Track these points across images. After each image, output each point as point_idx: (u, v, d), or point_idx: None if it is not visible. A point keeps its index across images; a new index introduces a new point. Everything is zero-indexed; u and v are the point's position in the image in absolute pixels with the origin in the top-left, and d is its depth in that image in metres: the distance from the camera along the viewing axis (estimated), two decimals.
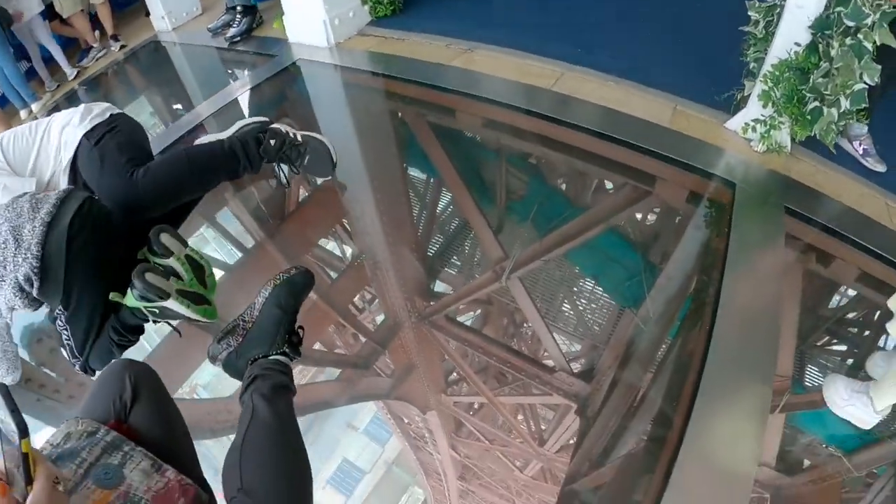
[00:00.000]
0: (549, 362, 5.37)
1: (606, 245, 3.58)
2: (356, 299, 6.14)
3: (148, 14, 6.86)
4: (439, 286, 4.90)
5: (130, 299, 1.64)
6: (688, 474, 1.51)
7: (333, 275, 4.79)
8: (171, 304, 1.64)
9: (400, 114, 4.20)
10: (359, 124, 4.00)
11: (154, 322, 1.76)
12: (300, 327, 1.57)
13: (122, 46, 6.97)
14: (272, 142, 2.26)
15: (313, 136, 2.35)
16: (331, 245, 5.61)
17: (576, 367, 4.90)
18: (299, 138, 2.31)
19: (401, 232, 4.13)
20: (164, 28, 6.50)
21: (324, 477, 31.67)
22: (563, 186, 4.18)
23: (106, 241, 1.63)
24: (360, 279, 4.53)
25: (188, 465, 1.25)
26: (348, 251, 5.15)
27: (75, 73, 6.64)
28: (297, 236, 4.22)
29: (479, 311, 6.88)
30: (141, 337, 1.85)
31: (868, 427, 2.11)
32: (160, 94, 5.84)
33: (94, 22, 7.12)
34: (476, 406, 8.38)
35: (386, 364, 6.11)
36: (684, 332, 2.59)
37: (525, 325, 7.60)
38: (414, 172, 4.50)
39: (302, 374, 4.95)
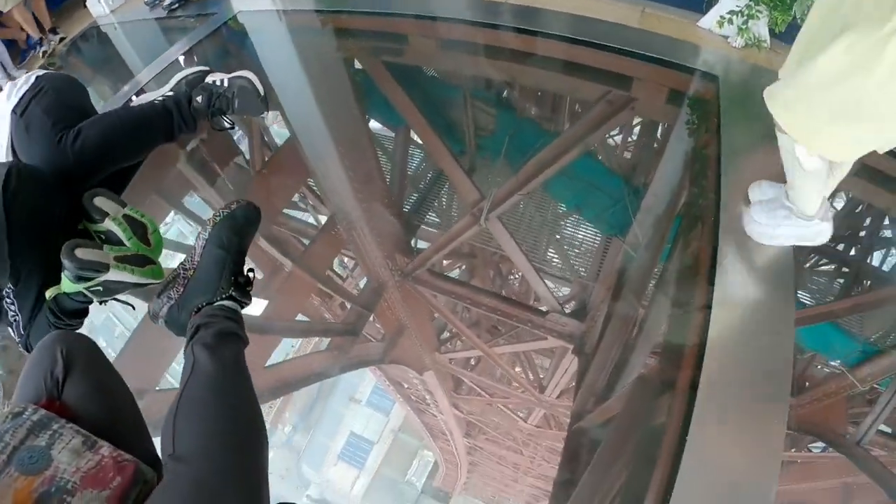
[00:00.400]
0: (541, 306, 5.28)
1: (585, 171, 3.39)
2: (338, 267, 5.96)
3: (85, 4, 6.67)
4: (419, 241, 4.72)
5: (67, 283, 1.45)
6: (713, 391, 1.32)
7: (307, 242, 4.57)
8: (113, 275, 1.45)
9: (352, 53, 3.94)
10: (310, 72, 3.72)
11: (101, 303, 1.57)
12: (251, 270, 1.37)
13: (62, 39, 6.75)
14: (199, 99, 2.12)
15: (238, 75, 2.16)
16: (300, 213, 5.39)
17: (567, 307, 4.80)
18: (225, 83, 2.13)
19: (370, 186, 3.91)
20: (101, 13, 6.33)
21: (334, 452, 32.16)
22: (534, 112, 3.96)
23: (45, 203, 1.51)
24: (336, 243, 4.32)
25: (132, 439, 1.05)
26: (320, 216, 4.94)
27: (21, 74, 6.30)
28: (263, 206, 3.98)
29: (463, 267, 6.76)
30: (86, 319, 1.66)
31: (822, 238, 1.75)
32: (106, 79, 5.59)
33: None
34: (473, 362, 8.36)
35: (376, 329, 5.98)
36: (682, 251, 2.42)
37: (512, 275, 7.51)
38: (375, 118, 4.25)
39: (292, 348, 4.78)
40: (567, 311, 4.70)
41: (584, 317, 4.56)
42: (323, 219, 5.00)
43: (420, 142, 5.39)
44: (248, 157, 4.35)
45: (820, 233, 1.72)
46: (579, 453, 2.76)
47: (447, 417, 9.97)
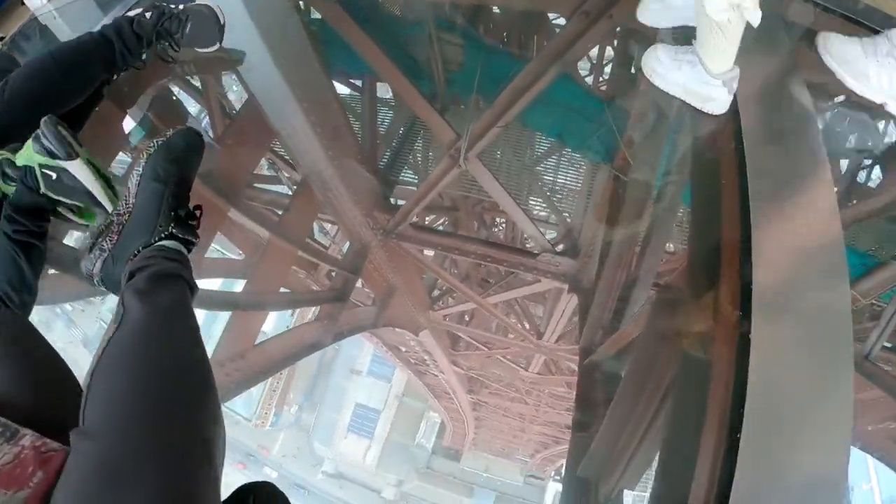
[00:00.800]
0: (532, 248, 5.15)
1: (564, 96, 3.18)
2: (319, 236, 5.76)
3: (23, 1, 6.25)
4: (398, 201, 4.52)
5: (28, 152, 1.27)
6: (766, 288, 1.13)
7: (281, 212, 4.36)
8: (77, 168, 1.27)
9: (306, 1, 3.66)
10: (263, 26, 3.45)
11: (48, 198, 1.37)
12: (197, 207, 1.17)
13: (1, 39, 6.38)
14: (147, 15, 1.86)
15: (196, 2, 1.93)
16: (275, 186, 5.16)
17: (558, 248, 4.67)
18: (180, 6, 1.89)
19: (340, 143, 3.69)
20: (38, 4, 5.96)
21: (343, 426, 32.46)
22: (504, 38, 3.73)
23: None
24: (311, 207, 4.11)
25: (68, 423, 0.85)
26: (294, 187, 4.70)
27: None
28: (229, 177, 3.75)
29: (446, 221, 6.59)
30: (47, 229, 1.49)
31: (714, 106, 1.56)
32: None
33: None
34: (468, 318, 8.28)
35: (365, 294, 5.83)
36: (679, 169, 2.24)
37: (496, 226, 7.37)
38: (338, 69, 3.99)
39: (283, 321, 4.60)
40: (559, 249, 4.57)
41: (576, 254, 4.44)
42: (290, 180, 4.79)
43: (388, 92, 5.16)
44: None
45: (713, 98, 1.54)
46: (594, 389, 2.65)
47: (448, 376, 9.96)
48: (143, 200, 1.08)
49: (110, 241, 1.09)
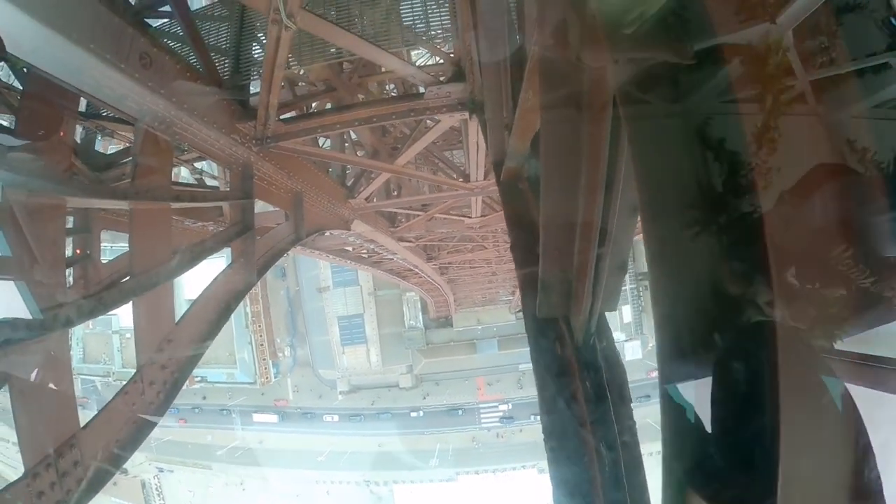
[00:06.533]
0: (417, 88, 4.68)
1: None
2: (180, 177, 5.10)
3: None
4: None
5: None
6: None
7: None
8: None
9: None
10: None
11: None
12: None
13: None
14: None
15: None
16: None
17: (443, 77, 4.24)
18: None
19: (157, 69, 3.03)
20: None
21: (336, 343, 33.09)
22: None
23: None
24: (161, 151, 3.47)
25: None
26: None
27: None
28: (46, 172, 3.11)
29: (329, 105, 5.97)
30: None
31: None
32: None
33: None
34: (395, 192, 7.93)
35: (274, 217, 5.34)
36: None
37: (386, 90, 6.77)
38: None
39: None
40: (443, 79, 4.14)
41: (462, 76, 4.02)
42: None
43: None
44: None
45: None
46: (522, 199, 2.39)
47: (403, 254, 9.82)
48: None
49: None
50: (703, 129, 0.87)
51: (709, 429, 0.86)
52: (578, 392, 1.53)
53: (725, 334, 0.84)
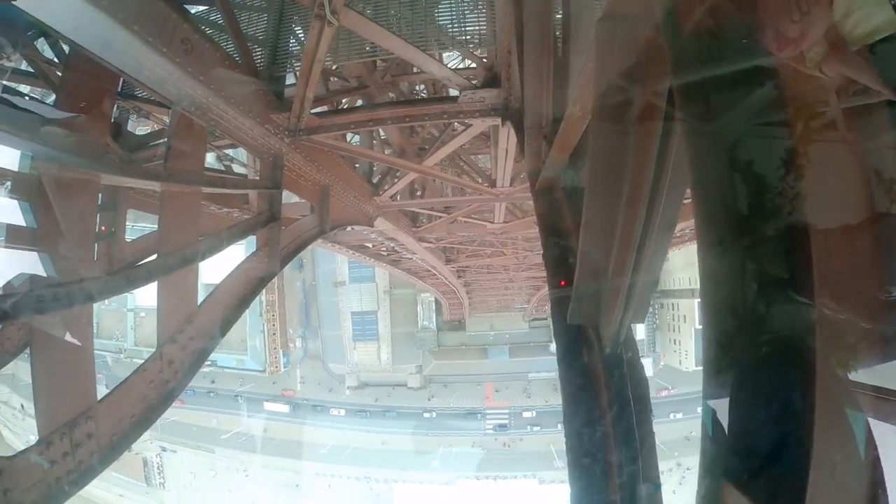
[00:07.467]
0: (448, 90, 4.68)
1: None
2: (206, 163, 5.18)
3: None
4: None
5: None
6: None
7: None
8: None
9: None
10: None
11: None
12: None
13: None
14: None
15: None
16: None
17: (477, 82, 4.23)
18: None
19: (198, 55, 3.08)
20: None
21: (348, 338, 33.18)
22: None
23: None
24: (196, 136, 3.52)
25: None
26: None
27: None
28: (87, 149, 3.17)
29: (360, 103, 6.00)
30: None
31: None
32: None
33: None
34: (419, 192, 7.94)
35: (299, 209, 5.39)
36: None
37: (415, 89, 6.79)
38: None
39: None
40: (478, 84, 4.14)
41: (497, 81, 4.02)
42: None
43: None
44: None
45: None
46: (559, 209, 2.37)
47: (422, 254, 9.83)
48: None
49: None
50: (763, 148, 0.86)
51: (747, 441, 0.85)
52: (602, 397, 1.54)
53: (773, 352, 0.84)
